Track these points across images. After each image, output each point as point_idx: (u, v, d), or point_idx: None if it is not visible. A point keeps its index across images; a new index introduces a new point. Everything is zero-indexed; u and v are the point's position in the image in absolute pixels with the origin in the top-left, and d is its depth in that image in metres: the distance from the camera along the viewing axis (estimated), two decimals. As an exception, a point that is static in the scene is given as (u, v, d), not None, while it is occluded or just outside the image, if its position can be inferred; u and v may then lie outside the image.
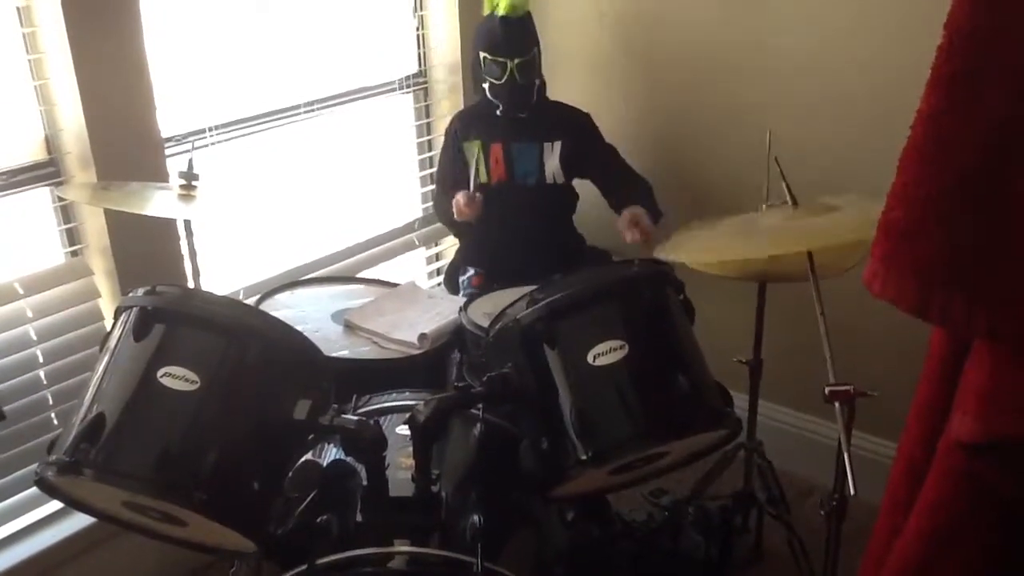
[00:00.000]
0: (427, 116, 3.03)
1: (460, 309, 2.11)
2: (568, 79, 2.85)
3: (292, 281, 2.45)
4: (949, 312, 1.08)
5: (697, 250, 2.03)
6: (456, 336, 2.08)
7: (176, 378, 1.38)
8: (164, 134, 2.26)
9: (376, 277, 2.59)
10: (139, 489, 1.34)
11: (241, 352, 1.44)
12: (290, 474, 1.53)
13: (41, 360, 2.18)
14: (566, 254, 2.63)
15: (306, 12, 2.61)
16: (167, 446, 1.36)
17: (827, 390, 1.59)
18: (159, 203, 1.96)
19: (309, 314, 2.22)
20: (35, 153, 2.13)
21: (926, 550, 1.24)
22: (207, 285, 2.16)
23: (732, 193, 2.63)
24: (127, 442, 1.36)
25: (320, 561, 1.43)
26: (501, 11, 2.46)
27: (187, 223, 2.03)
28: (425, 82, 2.98)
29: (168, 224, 2.23)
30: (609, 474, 1.57)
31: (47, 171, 2.14)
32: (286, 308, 2.25)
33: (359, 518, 1.54)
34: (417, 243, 3.02)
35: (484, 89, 2.55)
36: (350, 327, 2.16)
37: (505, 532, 1.65)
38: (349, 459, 1.58)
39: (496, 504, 1.58)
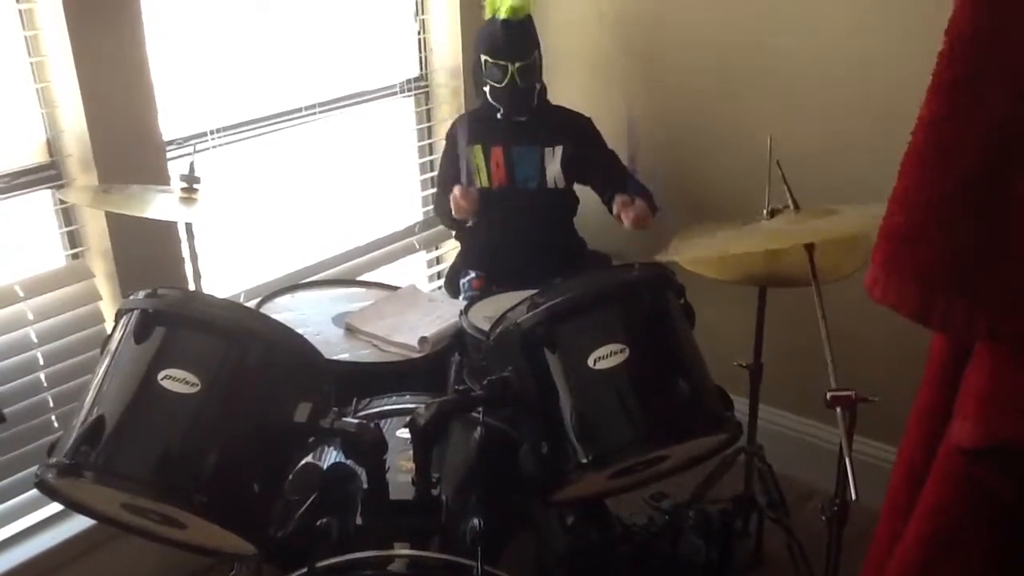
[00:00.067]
0: (428, 120, 3.03)
1: (461, 312, 2.11)
2: (569, 81, 2.85)
3: (293, 284, 2.45)
4: (950, 317, 1.09)
5: (697, 247, 2.03)
6: (457, 339, 2.08)
7: (177, 381, 1.38)
8: (166, 137, 2.26)
9: (377, 280, 2.59)
10: (139, 491, 1.34)
11: (242, 355, 1.44)
12: (290, 477, 1.53)
13: (41, 362, 2.18)
14: (567, 258, 2.63)
15: (308, 15, 2.61)
16: (167, 449, 1.36)
17: (828, 395, 1.59)
18: (160, 206, 1.97)
19: (310, 317, 2.22)
20: (36, 156, 2.13)
21: (926, 555, 1.24)
22: (208, 288, 2.16)
23: (733, 196, 2.63)
24: (127, 444, 1.37)
25: (320, 564, 1.43)
26: (503, 14, 2.47)
27: (188, 226, 2.03)
28: (426, 86, 2.99)
29: (169, 227, 2.23)
30: (609, 478, 1.57)
31: (48, 174, 2.14)
32: (287, 311, 2.25)
33: (359, 521, 1.54)
34: (418, 246, 3.02)
35: (485, 92, 2.56)
36: (351, 330, 2.16)
37: (505, 536, 1.65)
38: (349, 462, 1.58)
39: (496, 508, 1.58)
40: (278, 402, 1.47)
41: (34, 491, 1.55)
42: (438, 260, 3.18)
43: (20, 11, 2.03)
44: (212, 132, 2.40)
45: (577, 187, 2.68)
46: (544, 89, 2.61)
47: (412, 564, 1.51)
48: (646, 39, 2.81)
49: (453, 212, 2.57)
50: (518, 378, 1.58)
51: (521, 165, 2.59)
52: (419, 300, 2.33)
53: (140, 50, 2.14)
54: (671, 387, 1.56)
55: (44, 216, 2.21)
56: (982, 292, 1.08)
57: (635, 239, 2.50)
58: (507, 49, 2.48)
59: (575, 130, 2.63)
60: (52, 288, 2.18)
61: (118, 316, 1.51)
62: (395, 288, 2.43)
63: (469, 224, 2.68)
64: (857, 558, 1.53)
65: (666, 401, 1.55)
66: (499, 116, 2.56)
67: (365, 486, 1.56)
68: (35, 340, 2.17)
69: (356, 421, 1.55)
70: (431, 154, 3.04)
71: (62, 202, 2.18)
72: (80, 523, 2.24)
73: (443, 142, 2.77)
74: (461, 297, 2.64)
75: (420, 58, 2.96)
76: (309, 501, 1.52)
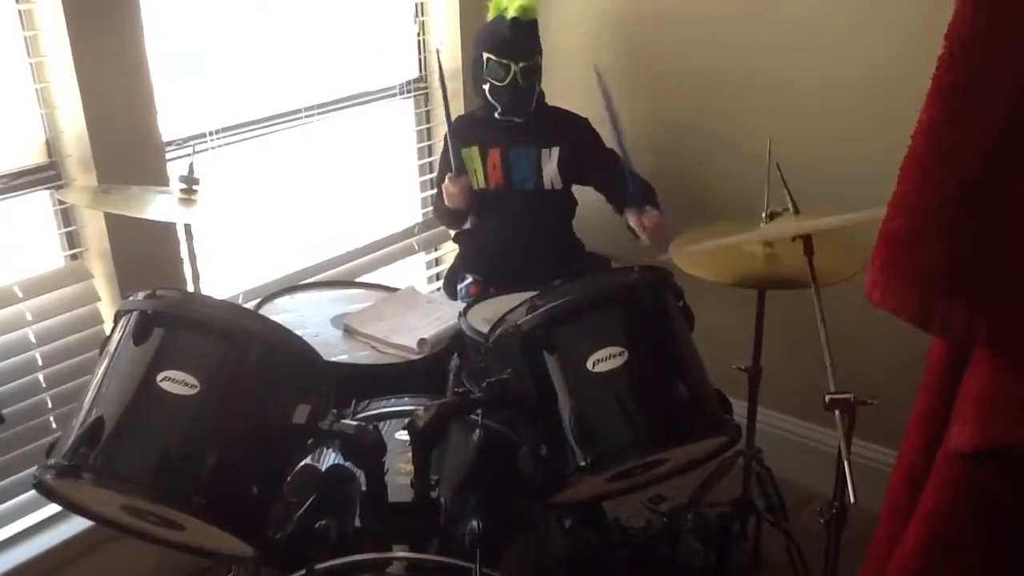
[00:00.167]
0: (427, 121, 3.03)
1: (460, 314, 2.11)
2: (568, 84, 2.85)
3: (292, 285, 2.45)
4: (950, 322, 1.09)
5: (696, 248, 2.03)
6: (456, 341, 2.08)
7: (175, 382, 1.38)
8: (165, 138, 2.26)
9: (376, 282, 2.59)
10: (138, 493, 1.34)
11: (240, 356, 1.44)
12: (289, 479, 1.53)
13: (40, 363, 2.18)
14: (565, 260, 2.63)
15: (307, 16, 2.61)
16: (166, 450, 1.36)
17: (827, 398, 1.59)
18: (159, 207, 1.96)
19: (308, 318, 2.22)
20: (36, 156, 2.13)
21: (925, 558, 1.24)
22: (207, 289, 2.16)
23: (733, 198, 2.64)
24: (126, 446, 1.36)
25: (318, 566, 1.43)
26: (512, 12, 2.47)
27: (187, 227, 2.03)
28: (426, 87, 2.99)
29: (168, 228, 2.23)
30: (608, 481, 1.57)
31: (47, 174, 2.14)
32: (285, 312, 2.24)
33: (358, 523, 1.54)
34: (417, 248, 3.02)
35: (484, 90, 2.55)
36: (349, 332, 2.16)
37: (504, 538, 1.65)
38: (348, 464, 1.58)
39: (495, 510, 1.58)
40: (277, 404, 1.47)
41: (32, 492, 1.55)
42: (437, 261, 3.18)
43: (20, 11, 2.03)
44: (212, 133, 2.40)
45: (576, 189, 2.68)
46: (542, 93, 2.61)
47: (411, 566, 1.51)
48: (646, 44, 2.81)
49: (446, 201, 2.57)
50: (517, 380, 1.58)
51: (518, 166, 2.59)
52: (418, 302, 2.33)
53: (140, 51, 2.14)
54: (670, 390, 1.56)
55: (43, 217, 2.21)
56: (982, 297, 1.08)
57: (634, 241, 2.50)
58: (513, 48, 2.48)
59: (572, 131, 2.63)
60: (51, 289, 2.18)
61: (117, 317, 1.51)
62: (394, 289, 2.43)
63: (467, 226, 2.68)
64: (856, 561, 1.53)
65: (665, 404, 1.55)
66: (496, 116, 2.56)
67: (364, 488, 1.56)
68: (34, 341, 2.16)
69: (355, 423, 1.55)
70: (430, 155, 3.04)
71: (61, 203, 2.18)
72: (78, 524, 2.24)
73: (442, 143, 2.77)
74: (459, 300, 2.64)
75: (420, 60, 2.96)
76: (308, 503, 1.51)
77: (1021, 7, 1.02)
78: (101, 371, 1.44)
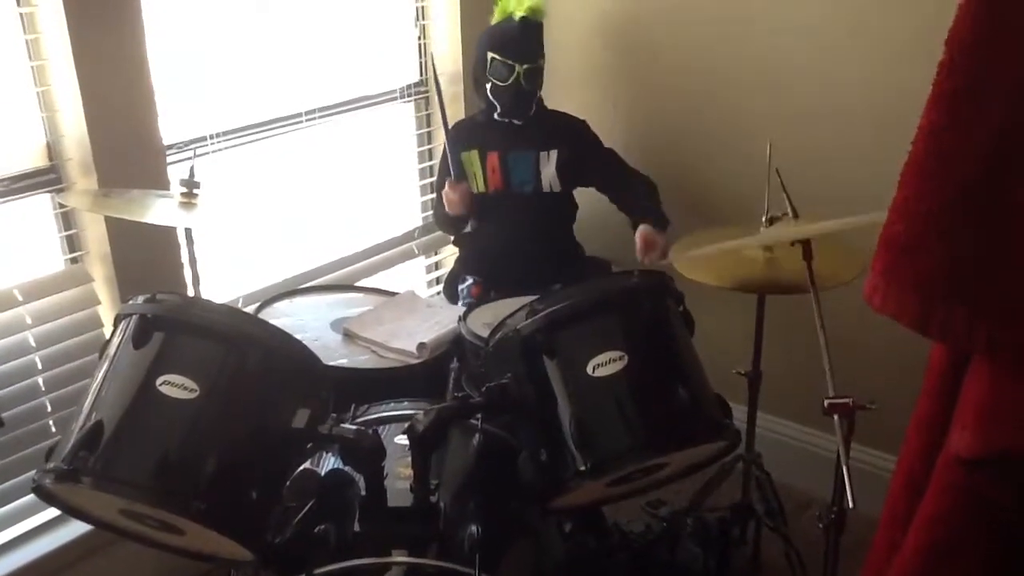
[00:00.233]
0: (428, 125, 3.03)
1: (459, 319, 2.11)
2: (567, 87, 2.86)
3: (291, 289, 2.45)
4: (950, 326, 1.09)
5: (695, 249, 2.03)
6: (455, 346, 2.08)
7: (175, 386, 1.38)
8: (166, 141, 2.26)
9: (375, 286, 2.59)
10: (137, 497, 1.34)
11: (240, 360, 1.44)
12: (288, 483, 1.52)
13: (40, 367, 2.18)
14: (565, 263, 2.63)
15: (308, 20, 2.62)
16: (166, 454, 1.36)
17: (826, 403, 1.59)
18: (160, 211, 1.97)
19: (308, 323, 2.22)
20: (36, 159, 2.13)
21: (925, 564, 1.24)
22: (207, 293, 2.16)
23: (732, 201, 2.64)
24: (125, 450, 1.36)
25: (318, 571, 1.43)
26: (522, 12, 2.47)
27: (188, 231, 2.03)
28: (426, 91, 2.99)
29: (168, 232, 2.23)
30: (608, 485, 1.57)
31: (48, 178, 2.14)
32: (285, 316, 2.25)
33: (357, 528, 1.54)
34: (417, 252, 3.02)
35: (485, 90, 2.56)
36: (349, 336, 2.16)
37: (503, 543, 1.64)
38: (347, 468, 1.58)
39: (494, 515, 1.58)
40: (276, 408, 1.47)
41: (31, 496, 1.55)
42: (437, 265, 3.18)
43: (21, 15, 2.03)
44: (212, 137, 2.40)
45: (576, 193, 2.68)
46: (541, 97, 2.62)
47: (410, 571, 1.51)
48: (646, 47, 2.81)
49: (446, 207, 2.57)
50: (517, 385, 1.58)
51: (517, 169, 2.59)
52: (418, 306, 2.33)
53: (140, 54, 2.14)
54: (670, 395, 1.56)
55: (43, 220, 2.21)
56: (982, 301, 1.08)
57: (633, 245, 2.49)
58: (519, 49, 2.48)
59: (570, 133, 2.64)
60: (51, 292, 2.17)
61: (117, 321, 1.51)
62: (394, 294, 2.43)
63: (467, 229, 2.68)
64: (855, 566, 1.53)
65: (665, 409, 1.55)
66: (496, 116, 2.56)
67: (363, 492, 1.56)
68: (33, 344, 2.16)
69: (354, 427, 1.55)
70: (431, 159, 3.04)
71: (62, 206, 2.18)
72: (77, 528, 2.23)
73: (442, 148, 2.77)
74: (460, 302, 2.64)
75: (420, 63, 2.96)
76: (307, 507, 1.51)
77: (1021, 14, 1.03)
78: (101, 375, 1.44)
